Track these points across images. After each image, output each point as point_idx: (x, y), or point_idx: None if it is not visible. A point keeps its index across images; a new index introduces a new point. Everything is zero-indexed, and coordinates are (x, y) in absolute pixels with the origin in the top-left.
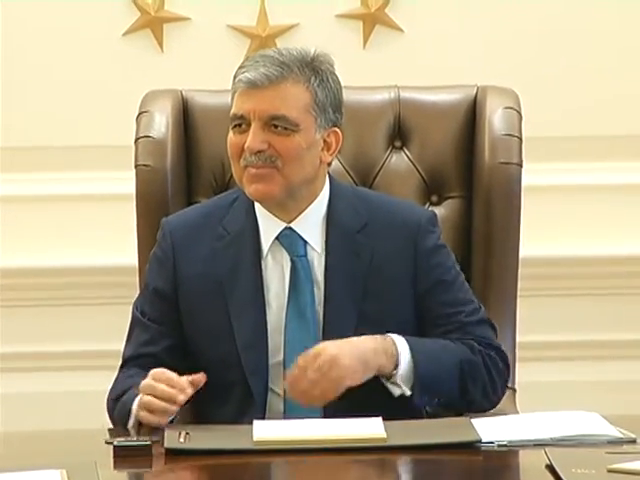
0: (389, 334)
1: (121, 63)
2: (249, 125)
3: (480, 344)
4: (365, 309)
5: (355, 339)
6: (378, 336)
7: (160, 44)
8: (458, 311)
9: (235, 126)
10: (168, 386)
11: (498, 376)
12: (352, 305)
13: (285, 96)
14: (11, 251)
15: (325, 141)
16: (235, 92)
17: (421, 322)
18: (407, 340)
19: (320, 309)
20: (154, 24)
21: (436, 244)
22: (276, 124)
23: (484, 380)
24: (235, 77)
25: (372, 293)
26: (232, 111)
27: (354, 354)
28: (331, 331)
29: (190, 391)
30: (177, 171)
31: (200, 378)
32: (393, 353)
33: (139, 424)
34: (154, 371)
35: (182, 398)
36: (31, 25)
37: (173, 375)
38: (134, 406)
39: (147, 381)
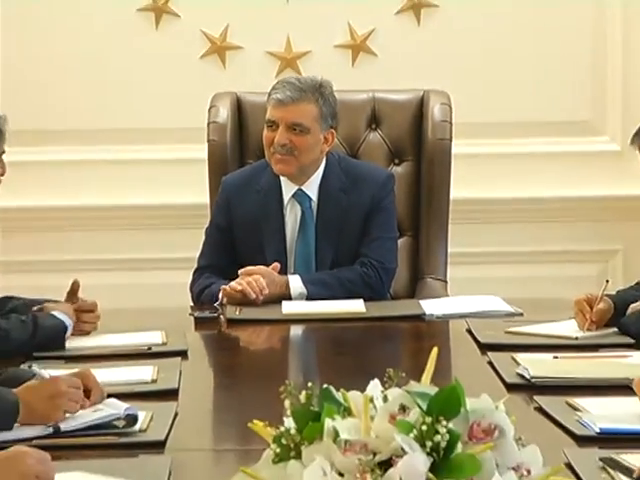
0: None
1: (199, 76)
2: (278, 127)
3: (368, 267)
4: (340, 241)
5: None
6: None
7: (223, 63)
8: (370, 255)
9: (268, 126)
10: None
11: (373, 284)
12: (331, 240)
13: (302, 110)
14: (122, 194)
15: (325, 138)
16: (269, 104)
17: None
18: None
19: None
20: (220, 50)
21: (385, 201)
22: (295, 128)
23: (359, 288)
24: (269, 94)
25: (346, 231)
26: (267, 116)
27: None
28: (319, 256)
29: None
30: (233, 144)
31: (277, 266)
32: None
33: (221, 303)
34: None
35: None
36: (139, 52)
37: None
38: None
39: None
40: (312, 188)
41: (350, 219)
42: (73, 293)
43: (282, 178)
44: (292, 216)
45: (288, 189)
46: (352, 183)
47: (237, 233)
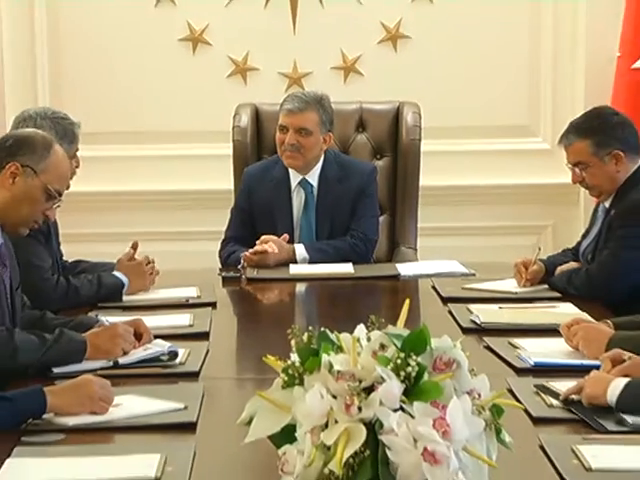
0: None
1: (226, 91)
2: (288, 130)
3: (356, 238)
4: (335, 218)
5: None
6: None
7: (245, 81)
8: (358, 229)
9: (280, 130)
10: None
11: (360, 252)
12: (328, 217)
13: (306, 118)
14: (166, 182)
15: (324, 139)
16: (281, 113)
17: None
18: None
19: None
20: (242, 71)
21: (369, 187)
22: (301, 131)
23: (349, 254)
24: (281, 105)
25: (339, 210)
26: (279, 122)
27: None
28: (319, 229)
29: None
30: (253, 142)
31: (286, 237)
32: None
33: (243, 266)
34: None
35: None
36: (180, 73)
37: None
38: (249, 251)
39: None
40: (313, 177)
41: (342, 201)
42: (133, 250)
43: (290, 170)
44: (298, 199)
45: (295, 178)
46: (344, 174)
47: (255, 212)
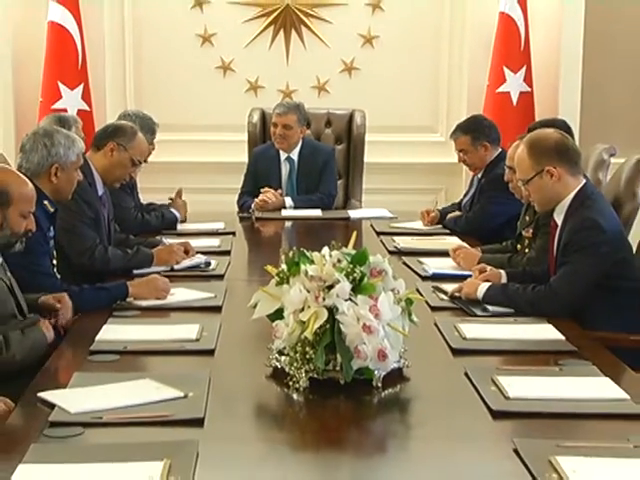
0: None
1: (244, 100)
2: (277, 126)
3: (323, 194)
4: (309, 182)
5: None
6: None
7: (256, 94)
8: (323, 187)
9: (273, 125)
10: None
11: (325, 202)
12: (304, 181)
13: (289, 118)
14: (207, 155)
15: (301, 130)
16: (273, 114)
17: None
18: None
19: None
20: (254, 88)
21: (330, 161)
22: (285, 126)
23: (319, 204)
24: (274, 110)
25: (312, 177)
26: (272, 120)
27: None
28: (299, 189)
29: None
30: (260, 133)
31: (280, 191)
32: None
33: (252, 210)
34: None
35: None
36: (215, 90)
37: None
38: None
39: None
40: (295, 155)
41: (313, 170)
42: (179, 195)
43: (280, 150)
44: (285, 169)
45: (283, 156)
46: (314, 152)
47: (259, 176)
